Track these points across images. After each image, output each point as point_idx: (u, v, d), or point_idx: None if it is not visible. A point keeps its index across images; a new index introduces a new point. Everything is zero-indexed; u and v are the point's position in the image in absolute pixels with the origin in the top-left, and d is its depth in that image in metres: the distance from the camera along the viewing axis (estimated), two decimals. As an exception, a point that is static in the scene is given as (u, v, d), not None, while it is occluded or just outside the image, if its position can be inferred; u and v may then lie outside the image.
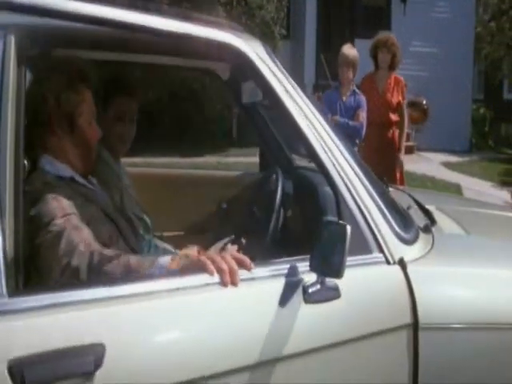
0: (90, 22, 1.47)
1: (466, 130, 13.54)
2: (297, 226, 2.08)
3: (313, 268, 1.48)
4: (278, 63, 1.76)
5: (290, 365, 1.47)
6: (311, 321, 1.51)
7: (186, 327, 1.38)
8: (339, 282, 1.53)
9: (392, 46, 5.11)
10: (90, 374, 1.18)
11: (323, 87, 5.90)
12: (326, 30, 12.91)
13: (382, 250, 1.68)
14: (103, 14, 1.45)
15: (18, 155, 1.55)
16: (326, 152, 1.69)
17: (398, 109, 5.24)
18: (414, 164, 9.43)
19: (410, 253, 1.71)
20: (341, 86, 4.97)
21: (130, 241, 1.94)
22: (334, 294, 1.55)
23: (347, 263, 1.46)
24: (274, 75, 1.72)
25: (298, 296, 1.49)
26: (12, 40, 1.61)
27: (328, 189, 1.78)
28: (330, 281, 1.52)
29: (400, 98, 5.23)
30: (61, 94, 1.85)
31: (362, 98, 4.93)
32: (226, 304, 1.43)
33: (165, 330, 1.34)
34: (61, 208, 1.65)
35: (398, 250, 1.69)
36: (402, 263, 1.68)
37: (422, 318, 1.62)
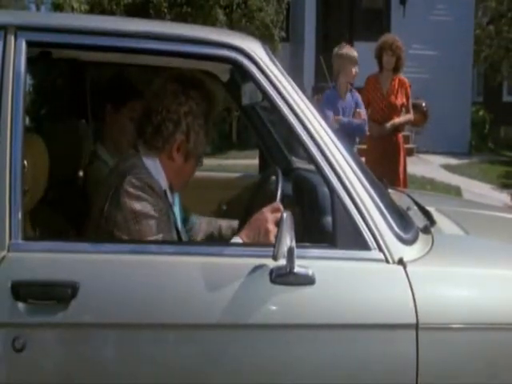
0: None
1: (465, 132, 13.54)
2: (296, 227, 2.08)
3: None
4: (278, 64, 1.77)
5: (259, 333, 1.62)
6: (275, 299, 1.61)
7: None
8: (321, 270, 1.63)
9: (397, 48, 5.10)
10: (66, 301, 1.55)
11: (322, 89, 5.89)
12: (326, 33, 12.92)
13: (381, 249, 1.69)
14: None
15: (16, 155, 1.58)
16: (326, 153, 1.71)
17: (402, 110, 5.23)
18: (413, 166, 9.41)
19: (409, 253, 1.72)
20: (339, 87, 4.96)
21: None
22: (304, 279, 1.61)
23: (340, 255, 1.67)
24: (274, 76, 1.73)
25: (264, 275, 1.61)
26: (12, 40, 1.63)
27: (326, 189, 1.79)
28: (300, 268, 1.60)
29: (404, 100, 5.21)
30: (193, 129, 1.89)
31: (358, 95, 4.95)
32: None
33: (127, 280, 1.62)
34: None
35: (398, 249, 1.70)
36: (401, 263, 1.68)
37: (422, 318, 1.62)
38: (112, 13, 10.73)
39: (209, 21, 10.45)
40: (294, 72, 11.20)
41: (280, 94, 1.72)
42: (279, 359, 1.62)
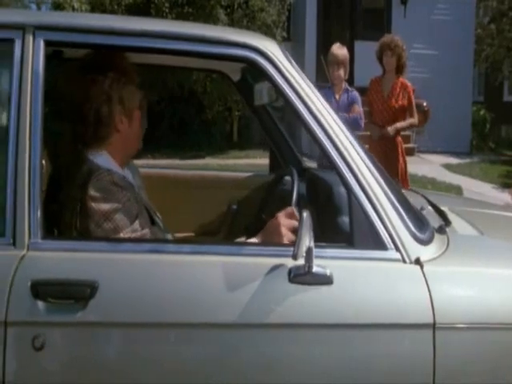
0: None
1: (466, 131, 13.53)
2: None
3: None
4: (295, 64, 1.77)
5: (276, 332, 1.62)
6: (293, 298, 1.61)
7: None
8: (338, 270, 1.64)
9: (396, 47, 5.07)
10: (85, 300, 1.55)
11: (323, 89, 5.92)
12: (327, 33, 12.90)
13: (398, 249, 1.69)
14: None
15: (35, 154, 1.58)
16: (343, 152, 1.71)
17: (402, 113, 5.18)
18: (414, 166, 9.40)
19: (426, 253, 1.72)
20: (332, 86, 4.97)
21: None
22: (322, 279, 1.62)
23: (357, 255, 1.68)
24: (291, 76, 1.73)
25: (282, 274, 1.61)
26: (31, 40, 1.62)
27: (342, 189, 1.79)
28: (318, 268, 1.61)
29: (405, 103, 5.13)
30: (123, 92, 1.87)
31: (356, 94, 4.94)
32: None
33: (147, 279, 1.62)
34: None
35: (415, 249, 1.70)
36: (418, 263, 1.68)
37: (439, 317, 1.62)
38: (113, 13, 10.71)
39: (210, 21, 10.43)
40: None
41: (297, 93, 1.73)
42: (297, 358, 1.62)
